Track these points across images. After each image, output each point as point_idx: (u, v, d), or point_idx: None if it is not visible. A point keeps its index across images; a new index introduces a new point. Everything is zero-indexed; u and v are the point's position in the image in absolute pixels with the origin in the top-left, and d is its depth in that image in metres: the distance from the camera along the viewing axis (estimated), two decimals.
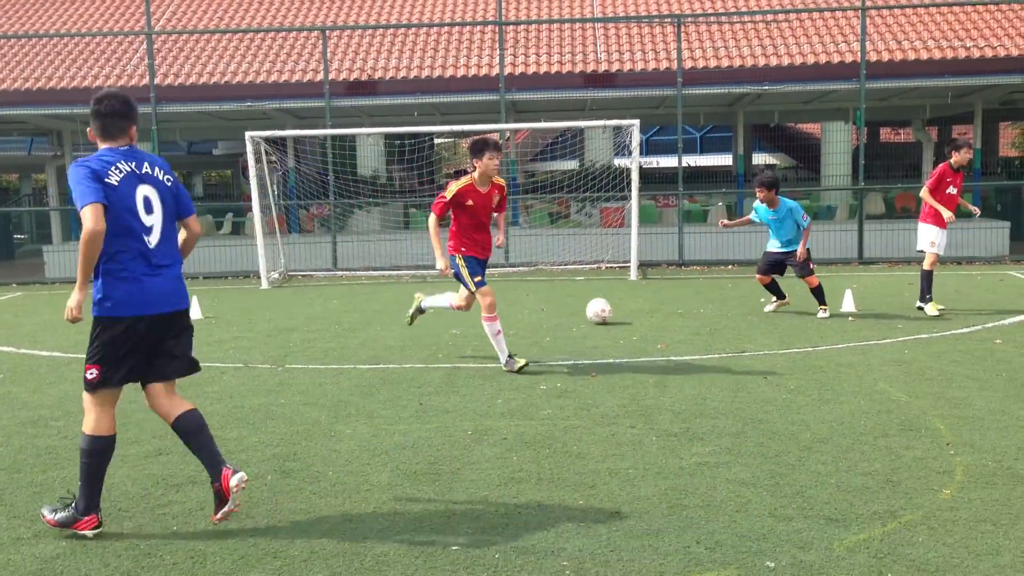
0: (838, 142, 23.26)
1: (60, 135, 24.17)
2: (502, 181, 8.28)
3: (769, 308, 11.39)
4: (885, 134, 35.59)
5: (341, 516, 4.62)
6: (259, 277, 17.02)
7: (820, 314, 10.89)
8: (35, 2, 23.27)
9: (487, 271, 8.59)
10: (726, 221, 11.84)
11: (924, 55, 18.83)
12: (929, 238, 10.90)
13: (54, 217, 24.58)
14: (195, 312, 12.36)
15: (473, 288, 8.16)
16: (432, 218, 8.01)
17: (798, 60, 19.05)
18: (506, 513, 4.61)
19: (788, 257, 11.01)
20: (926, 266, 10.94)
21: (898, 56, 18.91)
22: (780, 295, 11.36)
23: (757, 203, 11.16)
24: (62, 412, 7.03)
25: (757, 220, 11.30)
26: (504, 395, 7.19)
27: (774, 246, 11.18)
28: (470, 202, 8.07)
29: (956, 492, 4.77)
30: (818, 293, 10.98)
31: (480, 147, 8.05)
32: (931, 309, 10.78)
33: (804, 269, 10.97)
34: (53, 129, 24.22)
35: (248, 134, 16.97)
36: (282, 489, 5.07)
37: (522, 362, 8.05)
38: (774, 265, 11.18)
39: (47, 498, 5.00)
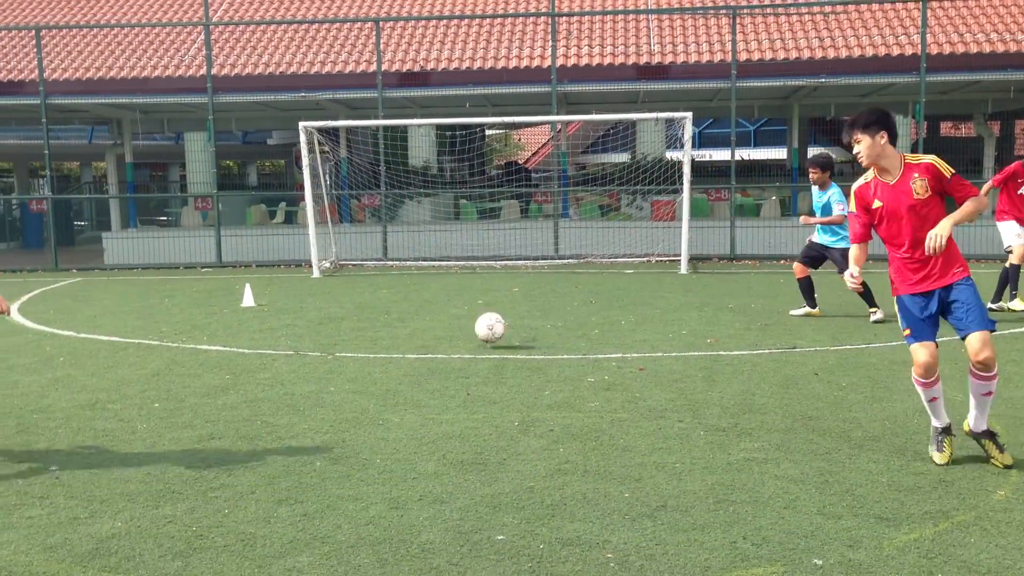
0: (897, 136, 22.84)
1: (120, 124, 24.62)
2: (926, 159, 5.34)
3: (797, 312, 10.80)
4: (945, 128, 34.85)
5: (388, 503, 4.67)
6: (311, 266, 17.19)
7: (872, 316, 10.31)
8: None
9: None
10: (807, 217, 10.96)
11: (986, 48, 18.40)
12: (1015, 231, 10.51)
13: (113, 204, 25.05)
14: (247, 300, 12.55)
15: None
16: (852, 249, 5.59)
17: (856, 52, 18.75)
18: (552, 504, 4.62)
19: (830, 252, 10.51)
20: (1015, 260, 10.49)
21: (959, 49, 18.51)
22: (812, 301, 10.72)
23: (813, 189, 10.69)
24: (119, 396, 7.18)
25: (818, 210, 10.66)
26: (551, 387, 7.19)
27: (819, 237, 10.69)
28: (877, 203, 5.40)
29: (1011, 493, 4.67)
30: (868, 295, 10.19)
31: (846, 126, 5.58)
32: (1020, 304, 10.44)
33: (844, 263, 10.07)
34: (113, 118, 24.67)
35: (302, 124, 17.14)
36: (330, 475, 5.13)
37: (945, 456, 5.23)
38: (815, 258, 10.71)
39: (103, 479, 5.12)
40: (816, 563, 3.88)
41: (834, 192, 10.45)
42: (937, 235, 5.14)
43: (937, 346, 5.40)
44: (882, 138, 5.33)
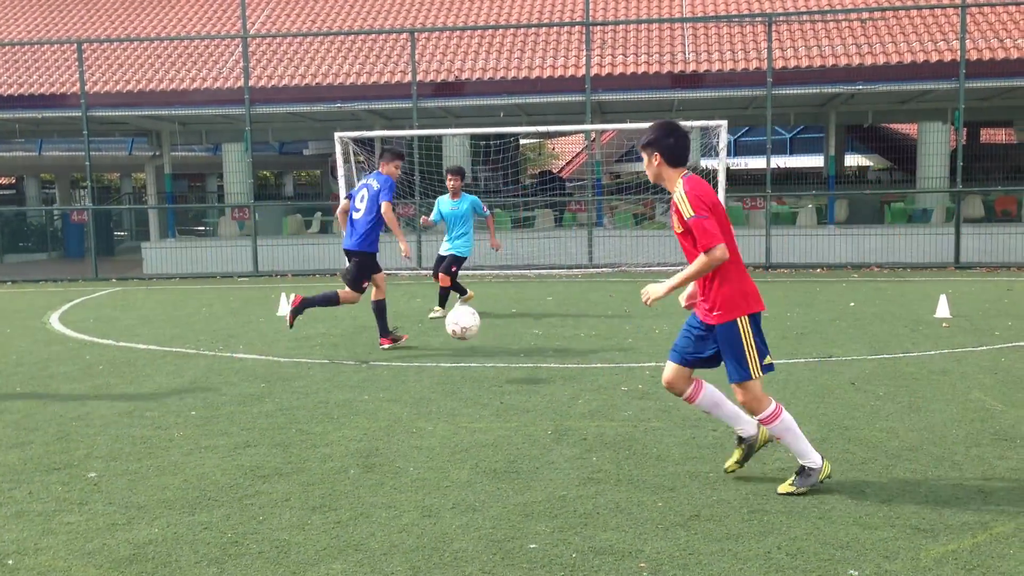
0: (935, 143, 22.56)
1: (159, 135, 24.97)
2: (677, 191, 4.84)
3: (435, 315, 11.65)
4: (986, 135, 34.41)
5: (421, 511, 4.68)
6: None
7: (431, 313, 11.72)
8: (135, 7, 24.10)
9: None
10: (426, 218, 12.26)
11: None
12: None
13: (152, 215, 25.40)
14: (283, 308, 12.65)
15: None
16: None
17: (894, 59, 18.56)
18: (584, 513, 4.61)
19: (445, 258, 11.67)
20: None
21: (999, 54, 18.27)
22: (461, 290, 11.86)
23: (442, 198, 11.84)
24: (157, 403, 7.27)
25: (439, 218, 11.80)
26: (585, 396, 7.18)
27: (445, 248, 11.78)
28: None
29: None
30: (443, 294, 11.76)
31: None
32: None
33: (446, 267, 11.56)
34: (152, 130, 25.03)
35: (337, 135, 17.26)
36: (364, 483, 5.16)
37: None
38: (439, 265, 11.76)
39: (141, 486, 5.18)
40: (852, 574, 3.84)
41: (472, 199, 11.73)
42: (646, 292, 4.99)
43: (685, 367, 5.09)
44: (655, 159, 4.90)
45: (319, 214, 25.16)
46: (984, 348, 8.92)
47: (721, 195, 16.22)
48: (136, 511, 4.77)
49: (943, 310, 11.01)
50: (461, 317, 8.41)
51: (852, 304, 12.31)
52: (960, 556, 3.99)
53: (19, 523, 4.64)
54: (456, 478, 5.21)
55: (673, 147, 4.87)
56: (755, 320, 4.86)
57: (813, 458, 4.83)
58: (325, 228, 24.25)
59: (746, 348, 4.79)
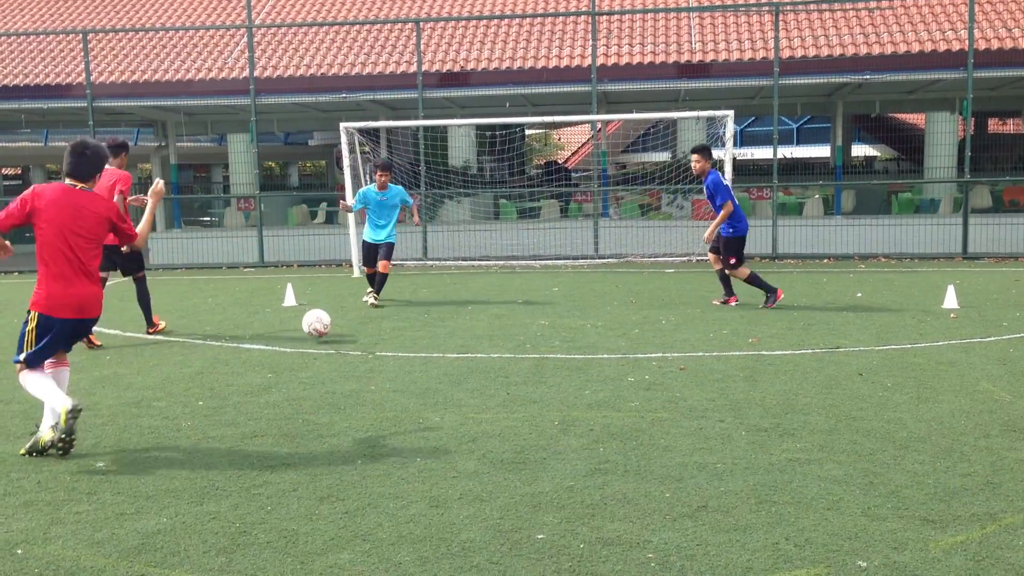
0: (943, 133, 22.48)
1: (164, 126, 24.98)
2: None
3: (370, 300, 12.00)
4: (993, 125, 34.26)
5: (428, 501, 4.68)
6: (351, 265, 17.30)
7: (368, 299, 12.03)
8: None
9: None
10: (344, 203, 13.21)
11: None
12: None
13: (158, 205, 25.36)
14: (289, 299, 12.67)
15: None
16: None
17: (902, 48, 18.48)
18: (592, 504, 4.60)
19: (379, 248, 12.07)
20: None
21: (1008, 44, 18.18)
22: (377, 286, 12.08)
23: (369, 188, 12.31)
24: (164, 393, 7.28)
25: (361, 205, 12.27)
26: (592, 386, 7.18)
27: (370, 236, 12.17)
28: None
29: None
30: (381, 280, 12.05)
31: None
32: None
33: (386, 255, 12.02)
34: (157, 120, 25.04)
35: (343, 125, 17.26)
36: (371, 473, 5.16)
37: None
38: (374, 254, 12.16)
39: (149, 475, 5.19)
40: (860, 565, 3.83)
41: (399, 191, 12.26)
42: None
43: None
44: None
45: (324, 204, 25.16)
46: (992, 339, 8.89)
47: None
48: (144, 501, 4.78)
49: (951, 301, 10.98)
50: (322, 315, 9.58)
51: (859, 295, 12.29)
52: (969, 547, 3.99)
53: (28, 513, 4.65)
54: (463, 468, 5.21)
55: (73, 164, 5.82)
56: (48, 323, 5.69)
57: (43, 426, 5.63)
58: (330, 219, 24.25)
59: (25, 336, 5.72)
